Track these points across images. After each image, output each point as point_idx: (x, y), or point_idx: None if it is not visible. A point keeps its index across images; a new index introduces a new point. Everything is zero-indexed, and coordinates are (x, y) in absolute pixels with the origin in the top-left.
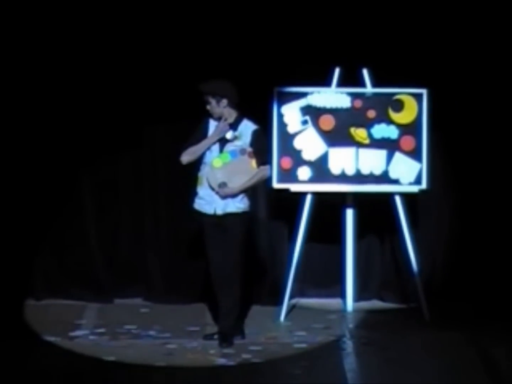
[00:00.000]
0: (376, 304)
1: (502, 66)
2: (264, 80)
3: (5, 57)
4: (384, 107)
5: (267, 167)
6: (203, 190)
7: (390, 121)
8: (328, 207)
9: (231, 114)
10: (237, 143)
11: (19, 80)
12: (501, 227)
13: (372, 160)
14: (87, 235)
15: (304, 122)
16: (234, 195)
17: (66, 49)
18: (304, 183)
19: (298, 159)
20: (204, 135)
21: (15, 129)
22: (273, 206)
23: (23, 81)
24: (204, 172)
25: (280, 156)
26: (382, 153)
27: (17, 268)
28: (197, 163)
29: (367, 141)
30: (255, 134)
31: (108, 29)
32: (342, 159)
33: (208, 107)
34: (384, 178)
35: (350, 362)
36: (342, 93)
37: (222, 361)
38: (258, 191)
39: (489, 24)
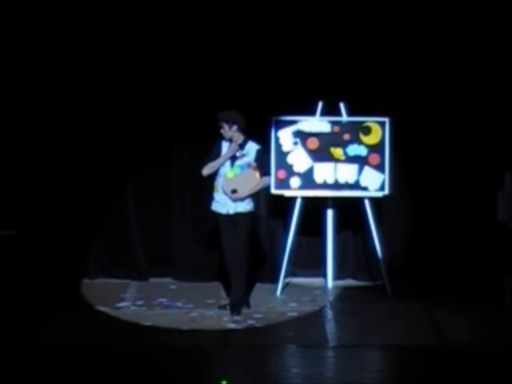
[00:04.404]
0: (350, 282)
1: (445, 99)
2: (265, 111)
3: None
4: (356, 132)
5: (267, 177)
6: (218, 195)
7: (360, 142)
8: (313, 208)
9: (239, 137)
10: (245, 159)
11: (80, 100)
12: (445, 225)
13: (347, 172)
14: (130, 230)
15: (295, 143)
16: (242, 199)
17: (121, 80)
18: (295, 190)
19: (290, 171)
20: (218, 153)
21: (82, 151)
22: (271, 207)
23: (85, 102)
24: (219, 182)
25: (276, 169)
26: (354, 167)
27: (76, 255)
28: (213, 174)
29: (343, 158)
30: (258, 152)
31: (148, 67)
32: (324, 171)
33: (221, 131)
34: (356, 186)
35: (330, 326)
36: (324, 121)
37: (232, 325)
38: (260, 196)
39: (433, 71)
